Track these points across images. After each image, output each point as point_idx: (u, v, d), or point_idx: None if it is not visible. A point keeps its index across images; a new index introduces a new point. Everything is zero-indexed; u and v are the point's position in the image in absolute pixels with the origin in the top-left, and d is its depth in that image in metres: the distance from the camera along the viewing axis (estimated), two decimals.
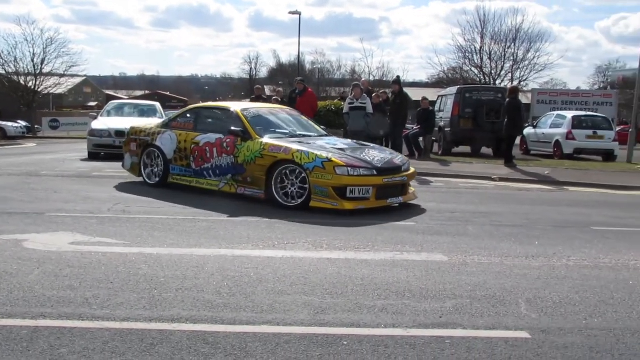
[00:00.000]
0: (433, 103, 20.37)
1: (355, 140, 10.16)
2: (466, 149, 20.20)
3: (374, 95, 15.33)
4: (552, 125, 20.29)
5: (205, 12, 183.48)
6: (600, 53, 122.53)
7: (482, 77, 43.64)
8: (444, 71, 47.38)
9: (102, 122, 16.06)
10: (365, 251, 5.96)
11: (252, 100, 16.22)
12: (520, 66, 44.47)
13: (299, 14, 41.24)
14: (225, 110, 9.70)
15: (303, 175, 8.01)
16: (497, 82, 42.71)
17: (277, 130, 9.35)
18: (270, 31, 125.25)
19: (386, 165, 8.41)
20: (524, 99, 25.85)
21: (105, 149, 15.44)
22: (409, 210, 8.44)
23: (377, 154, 8.77)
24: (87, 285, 4.65)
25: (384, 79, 50.28)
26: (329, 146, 8.68)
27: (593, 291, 4.86)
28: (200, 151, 9.14)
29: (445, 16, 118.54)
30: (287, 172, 8.18)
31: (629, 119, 28.96)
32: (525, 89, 39.51)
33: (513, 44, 43.99)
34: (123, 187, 9.99)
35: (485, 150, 19.92)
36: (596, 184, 12.39)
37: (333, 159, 7.98)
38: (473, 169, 14.37)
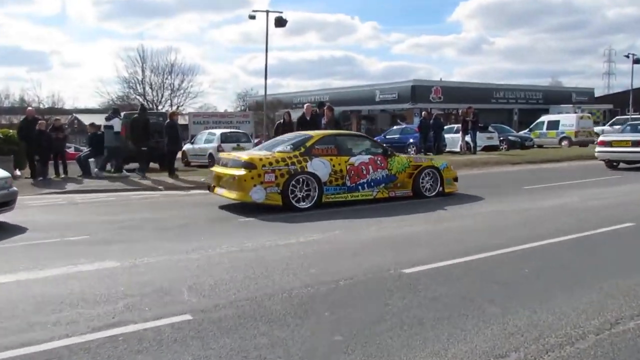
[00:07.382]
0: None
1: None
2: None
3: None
4: (206, 140, 20.91)
5: None
6: (240, 83, 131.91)
7: (146, 104, 42.86)
8: (113, 99, 45.36)
9: None
10: (37, 270, 5.18)
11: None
12: (177, 94, 45.22)
13: None
14: (359, 137, 11.23)
15: (437, 174, 10.00)
16: (160, 107, 42.53)
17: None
18: None
19: None
20: (183, 120, 26.14)
21: None
22: (80, 224, 7.68)
23: None
24: None
25: (55, 107, 45.90)
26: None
27: (239, 270, 5.06)
28: (355, 170, 9.27)
29: (112, 50, 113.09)
30: (428, 173, 9.95)
31: (261, 132, 31.78)
32: (183, 112, 39.93)
33: (170, 76, 44.48)
34: None
35: (153, 165, 19.47)
36: None
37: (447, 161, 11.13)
38: (143, 182, 13.84)
